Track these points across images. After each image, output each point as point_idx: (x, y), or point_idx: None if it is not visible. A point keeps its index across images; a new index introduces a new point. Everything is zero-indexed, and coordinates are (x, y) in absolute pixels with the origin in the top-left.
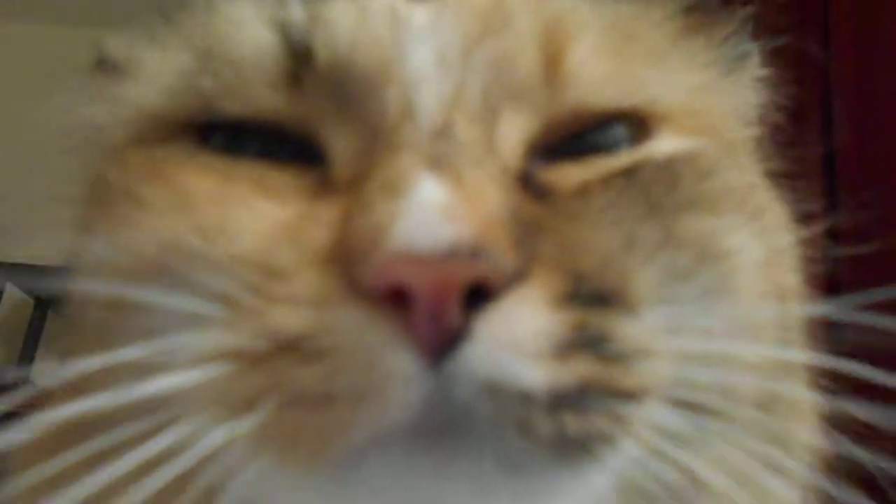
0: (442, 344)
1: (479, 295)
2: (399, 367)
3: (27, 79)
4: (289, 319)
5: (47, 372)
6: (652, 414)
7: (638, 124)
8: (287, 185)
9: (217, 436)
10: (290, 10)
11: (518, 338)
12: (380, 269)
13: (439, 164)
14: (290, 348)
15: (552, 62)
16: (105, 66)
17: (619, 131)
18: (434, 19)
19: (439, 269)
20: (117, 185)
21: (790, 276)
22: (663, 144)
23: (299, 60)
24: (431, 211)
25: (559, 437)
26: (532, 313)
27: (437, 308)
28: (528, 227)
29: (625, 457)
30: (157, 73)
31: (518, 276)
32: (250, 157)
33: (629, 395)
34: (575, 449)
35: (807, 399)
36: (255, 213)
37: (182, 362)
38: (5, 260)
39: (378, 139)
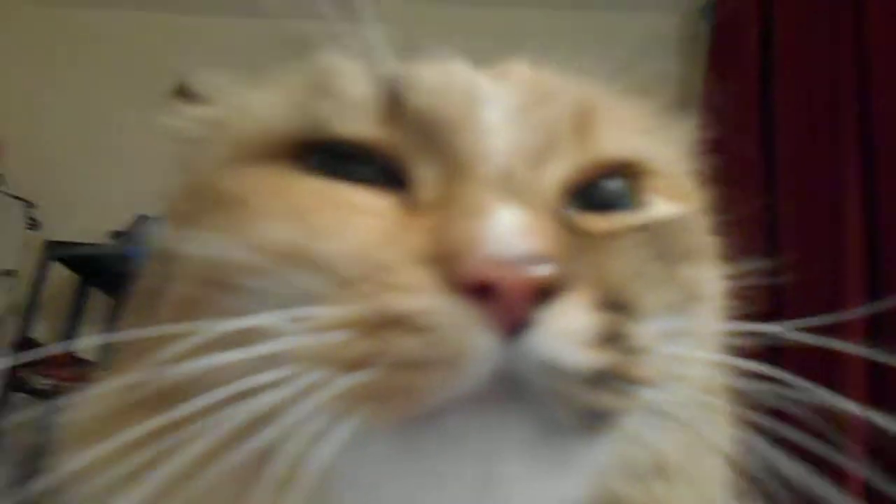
0: (514, 329)
1: (543, 295)
2: (481, 343)
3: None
4: (398, 301)
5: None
6: (650, 396)
7: (635, 177)
8: (378, 201)
9: (334, 388)
10: (387, 66)
11: (568, 329)
12: (474, 268)
13: (509, 195)
14: (398, 323)
15: (582, 125)
16: (185, 95)
17: (622, 184)
18: (497, 87)
19: (518, 272)
20: (230, 192)
21: (730, 302)
22: (661, 209)
23: (394, 105)
24: (511, 229)
25: (589, 410)
26: (578, 313)
27: (514, 301)
28: (571, 249)
29: (627, 430)
30: (265, 105)
31: (569, 285)
32: (345, 178)
33: (638, 381)
34: (597, 419)
35: (727, 387)
36: (357, 222)
37: (304, 329)
38: (51, 238)
39: (458, 172)
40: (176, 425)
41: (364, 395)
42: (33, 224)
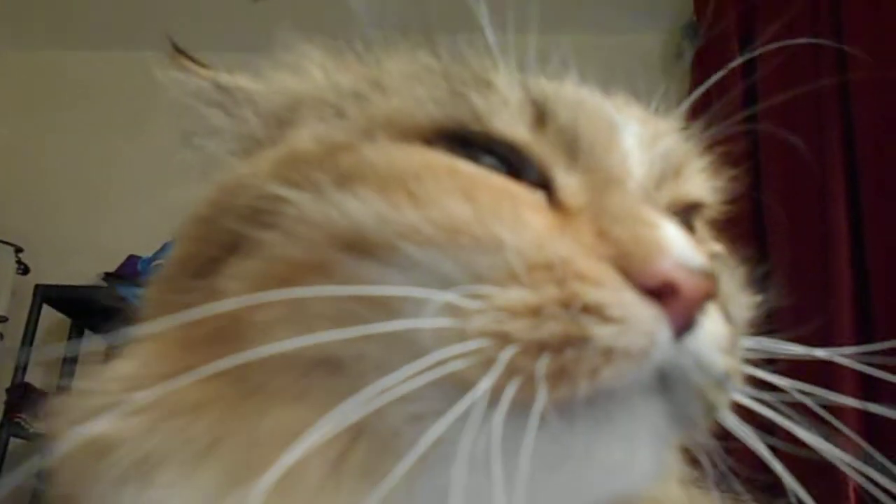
0: (684, 328)
1: (707, 301)
2: (660, 337)
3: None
4: (588, 291)
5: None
6: (740, 397)
7: (697, 215)
8: (534, 196)
9: (525, 369)
10: (537, 82)
11: (717, 335)
12: (661, 271)
13: (658, 210)
14: (589, 311)
15: (680, 166)
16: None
17: (685, 219)
18: (624, 115)
19: (697, 279)
20: (386, 165)
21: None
22: (717, 245)
23: (542, 116)
24: (686, 241)
25: (709, 404)
26: (720, 321)
27: (691, 304)
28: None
29: (725, 421)
30: (411, 86)
31: (715, 296)
32: (493, 167)
33: (738, 384)
34: (707, 412)
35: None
36: (528, 212)
37: (485, 308)
38: (41, 282)
39: (606, 185)
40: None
41: (553, 374)
42: (23, 268)
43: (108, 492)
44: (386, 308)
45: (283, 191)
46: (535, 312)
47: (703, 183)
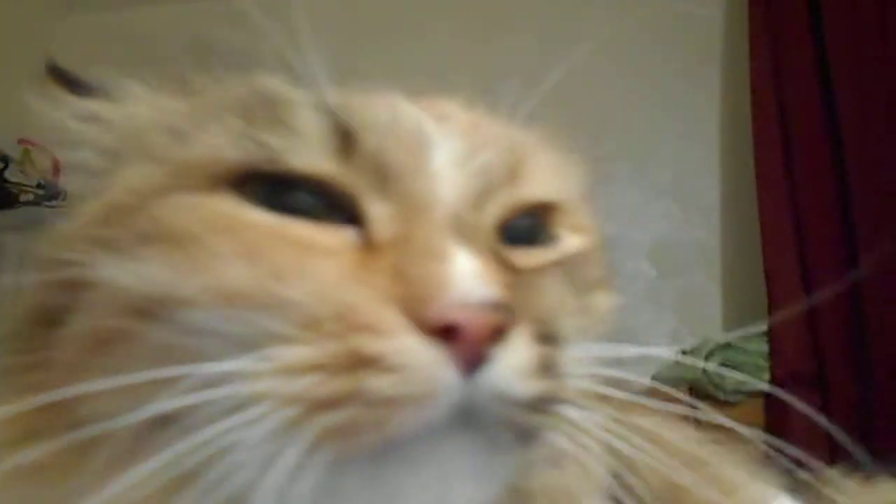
0: (474, 365)
1: (497, 334)
2: (446, 379)
3: None
4: (368, 342)
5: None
6: (569, 412)
7: (548, 212)
8: (333, 239)
9: (306, 427)
10: (333, 99)
11: (517, 364)
12: (441, 311)
13: (462, 238)
14: (369, 363)
15: (514, 171)
16: (60, 77)
17: (534, 220)
18: (440, 130)
19: (481, 315)
20: (172, 224)
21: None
22: (569, 243)
23: (347, 142)
24: (472, 275)
25: (524, 429)
26: (523, 348)
27: (477, 341)
28: (513, 289)
29: (552, 440)
30: (205, 130)
31: (516, 322)
32: (294, 212)
33: (563, 401)
34: (529, 437)
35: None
36: (317, 260)
37: (273, 370)
38: None
39: (414, 214)
40: (117, 462)
41: (334, 431)
42: None
43: None
44: (217, 380)
45: (87, 256)
46: (318, 369)
47: (548, 181)
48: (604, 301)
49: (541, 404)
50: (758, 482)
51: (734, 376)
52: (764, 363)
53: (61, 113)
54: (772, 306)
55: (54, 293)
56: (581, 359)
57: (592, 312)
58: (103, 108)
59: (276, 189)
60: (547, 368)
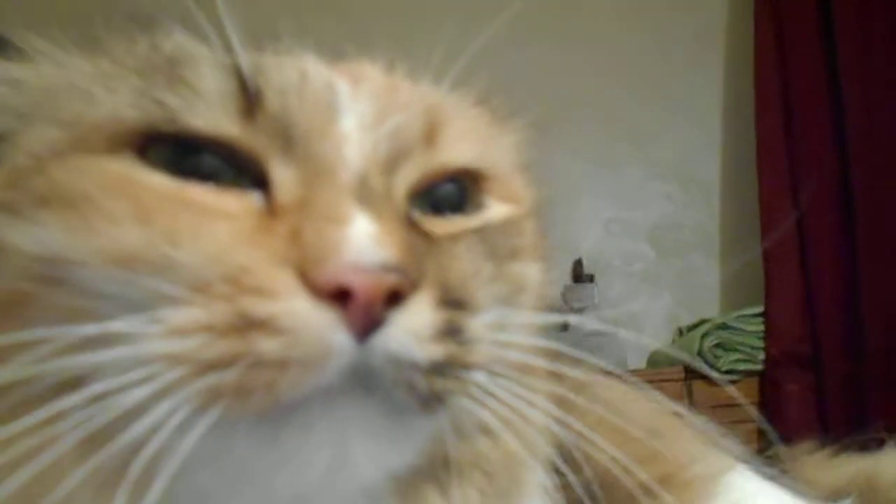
0: (368, 328)
1: (394, 297)
2: (337, 343)
3: None
4: (257, 304)
5: None
6: (479, 378)
7: (473, 181)
8: (232, 203)
9: (193, 387)
10: (242, 59)
11: (414, 328)
12: (333, 273)
13: (364, 202)
14: (257, 325)
15: (430, 135)
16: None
17: (457, 187)
18: (353, 92)
19: (374, 278)
20: (69, 187)
21: (548, 291)
22: (494, 211)
23: (252, 102)
24: (368, 238)
25: (427, 393)
26: (423, 312)
27: (369, 304)
28: (418, 253)
29: (458, 406)
30: (106, 87)
31: (416, 287)
32: (196, 175)
33: (470, 366)
34: (434, 401)
35: (543, 366)
36: (214, 224)
37: (162, 332)
38: None
39: (317, 177)
40: (33, 429)
41: (223, 391)
42: None
43: None
44: (102, 341)
45: None
46: (207, 331)
47: (470, 147)
48: (528, 270)
49: (445, 369)
50: (716, 453)
51: (727, 356)
52: (760, 344)
53: None
54: (769, 287)
55: None
56: (494, 325)
57: (513, 281)
58: (18, 70)
59: (180, 153)
60: (451, 333)
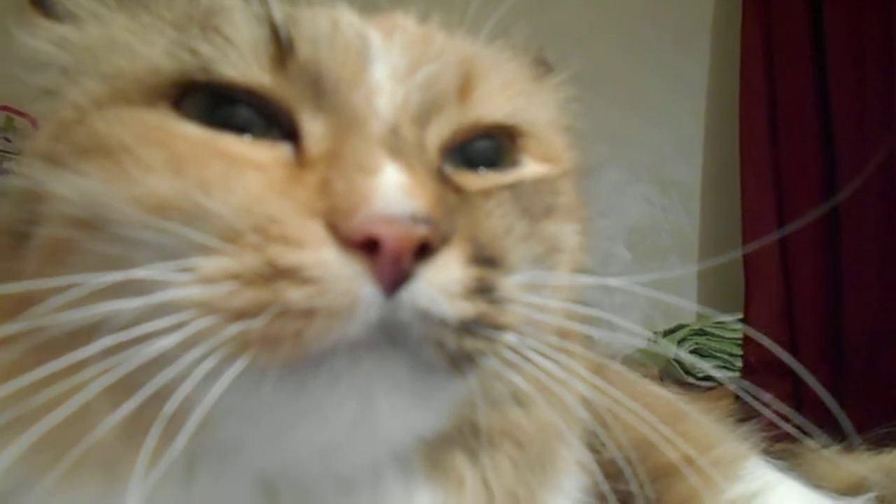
0: (396, 281)
1: (423, 250)
2: (365, 294)
3: None
4: (286, 253)
5: None
6: (510, 339)
7: (510, 138)
8: (264, 154)
9: (222, 335)
10: (275, 9)
11: (444, 283)
12: (361, 224)
13: (395, 153)
14: (285, 274)
15: (465, 88)
16: (43, 4)
17: (494, 144)
18: (386, 42)
19: (403, 230)
20: (107, 137)
21: (585, 257)
22: (530, 169)
23: (284, 51)
24: (398, 188)
25: (457, 352)
26: (453, 267)
27: (398, 256)
28: (449, 207)
29: (490, 368)
30: (143, 40)
31: (446, 241)
32: (229, 125)
33: (501, 327)
34: (464, 361)
35: (581, 332)
36: (245, 174)
37: (192, 279)
38: None
39: (348, 128)
40: (67, 373)
41: (252, 340)
42: None
43: None
44: (136, 287)
45: (40, 172)
46: (236, 279)
47: (505, 102)
48: (564, 230)
49: (475, 328)
50: (733, 441)
51: (701, 365)
52: (738, 351)
53: (38, 40)
54: (749, 294)
55: (19, 207)
56: (528, 286)
57: (547, 240)
58: (67, 30)
59: (213, 104)
60: (482, 291)
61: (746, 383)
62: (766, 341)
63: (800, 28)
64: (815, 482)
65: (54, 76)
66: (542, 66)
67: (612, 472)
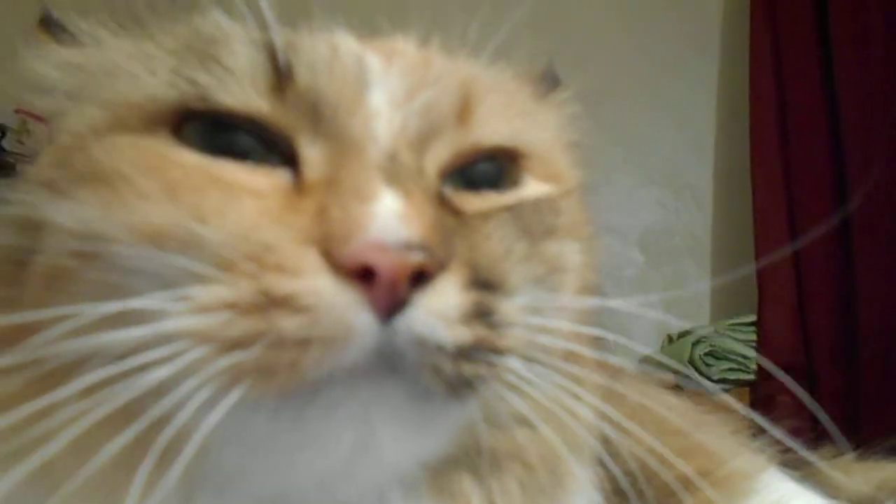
0: (392, 309)
1: (419, 277)
2: (360, 322)
3: None
4: (280, 282)
5: None
6: (512, 364)
7: (511, 160)
8: (261, 180)
9: (217, 365)
10: (275, 36)
11: (441, 309)
12: (356, 252)
13: (392, 179)
14: (280, 303)
15: (464, 111)
16: (51, 28)
17: (494, 166)
18: (384, 67)
19: (398, 258)
20: (106, 165)
21: (593, 275)
22: (530, 189)
23: (282, 77)
24: (393, 216)
25: (455, 378)
26: (450, 293)
27: (393, 284)
28: (447, 232)
29: (492, 393)
30: (143, 68)
31: (443, 267)
32: (227, 153)
33: (501, 351)
34: (463, 387)
35: (590, 355)
36: (241, 201)
37: (186, 309)
38: None
39: (345, 154)
40: (64, 403)
41: (247, 370)
42: None
43: None
44: (131, 317)
45: (38, 198)
46: (231, 308)
47: (505, 123)
48: (566, 250)
49: (473, 353)
50: (747, 454)
51: (718, 365)
52: (751, 353)
53: (45, 64)
54: (762, 296)
55: (19, 234)
56: (529, 308)
57: (549, 260)
58: (72, 54)
59: (212, 131)
60: (481, 316)
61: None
62: (779, 373)
63: (807, 30)
64: (832, 492)
65: (59, 101)
66: (549, 81)
67: (619, 488)
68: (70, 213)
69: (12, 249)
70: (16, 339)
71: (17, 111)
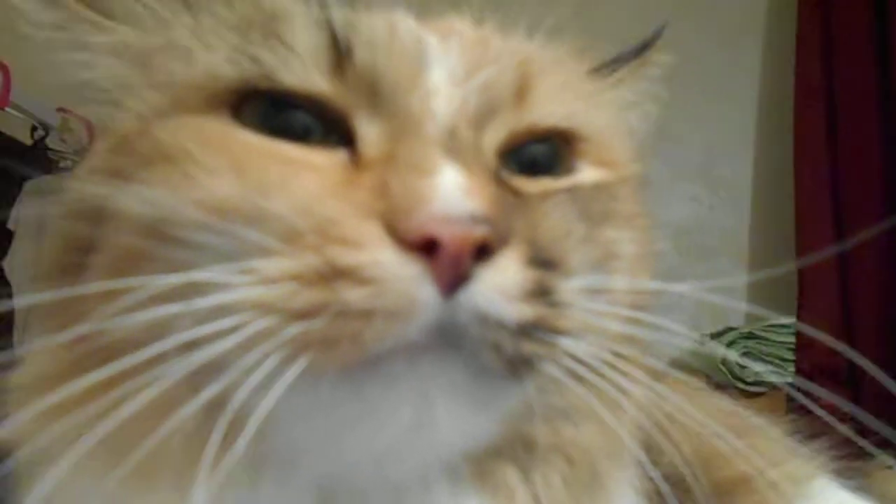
0: (455, 283)
1: (482, 251)
2: (423, 296)
3: None
4: (344, 254)
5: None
6: (569, 345)
7: (566, 142)
8: (321, 157)
9: (282, 336)
10: (335, 15)
11: (503, 285)
12: (419, 224)
13: (452, 155)
14: (344, 275)
15: (521, 91)
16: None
17: (550, 148)
18: (442, 46)
19: (462, 230)
20: (170, 145)
21: (647, 270)
22: (586, 174)
23: (342, 56)
24: (456, 188)
25: (515, 356)
26: (512, 269)
27: (457, 257)
28: (508, 208)
29: (548, 373)
30: (203, 47)
31: (505, 242)
32: (287, 132)
33: (560, 331)
34: (522, 365)
35: (642, 336)
36: (303, 177)
37: (251, 281)
38: None
39: (404, 131)
40: (125, 377)
41: (311, 341)
42: None
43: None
44: (196, 290)
45: (103, 188)
46: (295, 280)
47: (562, 105)
48: (622, 237)
49: (533, 331)
50: (797, 459)
51: (753, 366)
52: (789, 355)
53: (94, 46)
54: (802, 297)
55: (80, 223)
56: (587, 290)
57: (605, 245)
58: (123, 33)
59: (272, 110)
60: (541, 294)
61: (803, 381)
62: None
63: (859, 17)
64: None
65: (113, 88)
66: (610, 65)
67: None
68: (137, 196)
69: (74, 239)
70: (74, 324)
71: (58, 110)
